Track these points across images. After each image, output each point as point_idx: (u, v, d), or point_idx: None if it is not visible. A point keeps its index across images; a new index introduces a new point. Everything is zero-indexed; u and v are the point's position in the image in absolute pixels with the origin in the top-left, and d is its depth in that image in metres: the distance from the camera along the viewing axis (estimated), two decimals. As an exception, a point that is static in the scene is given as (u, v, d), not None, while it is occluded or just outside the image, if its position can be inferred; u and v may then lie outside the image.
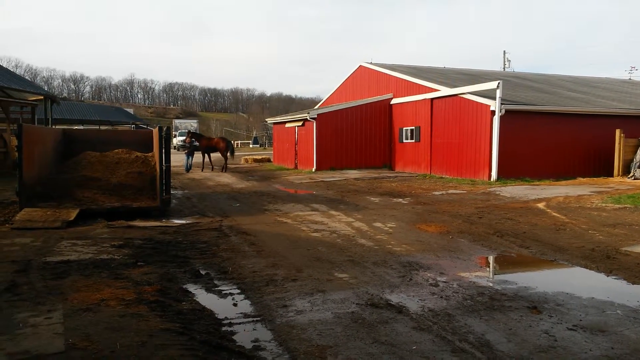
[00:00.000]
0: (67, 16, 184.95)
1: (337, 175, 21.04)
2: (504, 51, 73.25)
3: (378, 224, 9.63)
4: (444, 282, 5.77)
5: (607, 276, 6.02)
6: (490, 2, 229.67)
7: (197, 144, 24.42)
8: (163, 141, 10.92)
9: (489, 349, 3.93)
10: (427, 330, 4.30)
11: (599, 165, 19.20)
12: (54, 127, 19.70)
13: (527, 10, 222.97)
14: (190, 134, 24.53)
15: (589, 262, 6.65)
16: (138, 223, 9.54)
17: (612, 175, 18.34)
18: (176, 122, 70.08)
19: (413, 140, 22.64)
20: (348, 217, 10.56)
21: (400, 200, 13.34)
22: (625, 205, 11.38)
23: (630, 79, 37.16)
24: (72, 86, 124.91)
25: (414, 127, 22.55)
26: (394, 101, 24.25)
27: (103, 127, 31.74)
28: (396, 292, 5.37)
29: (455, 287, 5.55)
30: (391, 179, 19.63)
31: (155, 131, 11.69)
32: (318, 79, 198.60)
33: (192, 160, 24.23)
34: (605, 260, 6.70)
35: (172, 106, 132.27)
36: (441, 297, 5.22)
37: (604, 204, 11.69)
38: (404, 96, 23.38)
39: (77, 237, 8.04)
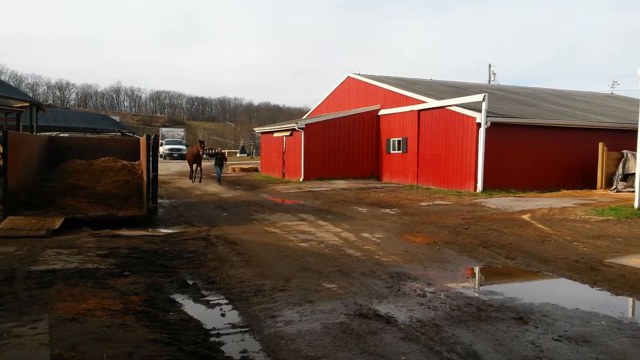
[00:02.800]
0: (53, 22, 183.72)
1: (325, 186, 21.08)
2: (489, 64, 74.23)
3: (366, 235, 9.66)
4: (432, 292, 5.81)
5: (592, 287, 6.11)
6: (477, 15, 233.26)
7: (219, 155, 23.97)
8: (150, 149, 10.87)
9: (476, 359, 3.96)
10: (415, 341, 4.32)
11: (583, 177, 19.49)
12: (39, 134, 19.47)
13: (513, 25, 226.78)
14: (202, 144, 23.01)
15: (574, 273, 6.74)
16: (124, 232, 9.46)
17: (595, 188, 18.63)
18: (163, 130, 69.58)
19: (400, 151, 22.79)
20: (336, 227, 10.58)
21: (388, 210, 13.41)
22: (608, 218, 11.57)
23: (612, 93, 37.86)
24: (58, 93, 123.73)
25: (401, 138, 22.72)
26: (381, 112, 24.43)
27: (89, 135, 31.51)
28: (384, 303, 5.39)
29: (443, 298, 5.59)
30: (378, 189, 19.72)
31: (143, 139, 11.64)
32: (306, 89, 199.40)
33: (219, 170, 23.08)
34: (590, 271, 6.80)
35: (159, 114, 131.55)
36: (429, 307, 5.25)
37: (587, 216, 11.87)
38: (392, 107, 23.57)
39: (62, 246, 7.95)
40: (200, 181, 22.07)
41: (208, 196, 17.06)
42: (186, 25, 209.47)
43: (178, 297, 5.56)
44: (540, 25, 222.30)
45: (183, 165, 39.60)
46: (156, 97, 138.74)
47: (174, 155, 51.78)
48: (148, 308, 5.00)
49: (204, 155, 22.49)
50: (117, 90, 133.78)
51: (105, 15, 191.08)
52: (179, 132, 67.43)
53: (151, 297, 5.41)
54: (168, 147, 52.79)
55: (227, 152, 79.88)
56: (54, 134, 28.74)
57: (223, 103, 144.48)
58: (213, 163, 23.62)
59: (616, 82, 61.40)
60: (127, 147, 14.04)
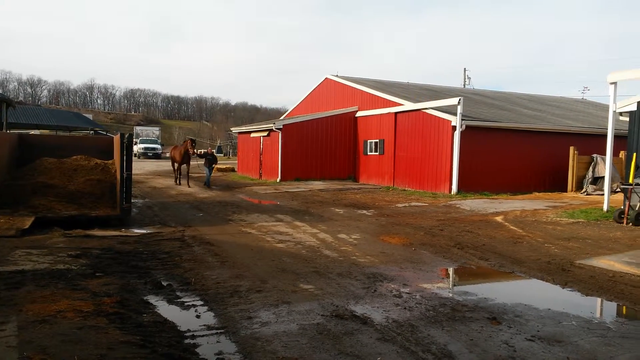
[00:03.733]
0: (25, 17, 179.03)
1: (302, 186, 21.06)
2: (465, 68, 75.42)
3: (343, 236, 9.69)
4: (408, 293, 5.86)
5: (563, 288, 6.24)
6: (453, 20, 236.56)
7: (209, 155, 21.61)
8: (124, 148, 10.69)
9: (451, 359, 4.00)
10: (391, 341, 4.34)
11: (554, 180, 19.95)
12: (9, 131, 18.94)
13: (487, 30, 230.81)
14: (192, 142, 20.74)
15: (546, 274, 6.88)
16: (96, 232, 9.28)
17: (566, 191, 19.09)
18: (137, 129, 68.57)
19: (377, 153, 22.93)
20: (313, 228, 10.57)
21: (365, 212, 13.47)
22: (579, 220, 11.86)
23: (583, 98, 38.87)
24: (29, 90, 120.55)
25: (378, 140, 22.87)
26: (359, 114, 24.54)
27: (61, 133, 30.78)
28: (361, 304, 5.41)
29: (418, 298, 5.64)
30: (355, 190, 19.80)
31: (117, 138, 11.43)
32: (284, 89, 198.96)
33: (209, 173, 21.02)
34: (561, 272, 6.95)
35: (133, 113, 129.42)
36: (405, 308, 5.29)
37: (558, 218, 12.14)
38: (369, 109, 23.70)
39: (32, 246, 7.74)
40: (188, 184, 20.27)
41: (184, 196, 16.86)
42: (163, 23, 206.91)
43: (152, 299, 5.47)
44: (513, 31, 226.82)
45: (158, 165, 39.08)
46: (131, 95, 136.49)
47: (149, 154, 51.12)
48: (121, 310, 4.90)
49: (194, 155, 20.74)
50: (91, 88, 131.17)
51: (79, 11, 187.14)
52: (154, 131, 66.57)
53: (124, 298, 5.31)
54: (142, 146, 52.04)
55: (203, 151, 79.23)
56: (26, 131, 27.99)
57: (199, 102, 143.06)
58: (202, 164, 21.74)
59: (587, 87, 63.18)
60: (100, 146, 13.77)
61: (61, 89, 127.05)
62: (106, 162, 12.49)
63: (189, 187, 19.78)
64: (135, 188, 17.94)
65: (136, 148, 49.42)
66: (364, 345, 4.25)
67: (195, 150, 20.35)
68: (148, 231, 9.79)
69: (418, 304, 5.42)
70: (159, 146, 54.97)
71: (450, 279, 7.09)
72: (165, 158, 58.83)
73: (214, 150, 22.08)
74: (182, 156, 20.43)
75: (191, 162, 21.11)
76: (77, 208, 10.52)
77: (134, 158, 19.97)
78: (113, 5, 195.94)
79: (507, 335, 4.54)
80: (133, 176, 12.00)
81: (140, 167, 33.32)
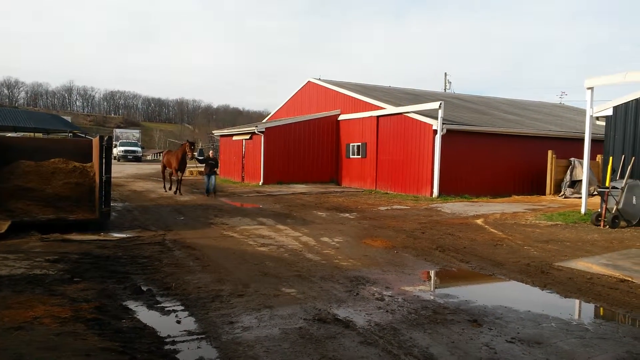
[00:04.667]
0: (1, 17, 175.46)
1: (285, 189, 21.01)
2: (445, 73, 76.35)
3: (325, 239, 9.68)
4: (390, 296, 5.87)
5: (542, 290, 6.33)
6: (434, 25, 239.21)
7: (211, 160, 18.56)
8: (104, 151, 10.53)
9: (433, 362, 4.02)
10: (373, 345, 4.34)
11: (533, 184, 20.27)
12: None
13: (468, 35, 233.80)
14: (191, 145, 18.26)
15: (525, 276, 6.97)
16: (75, 236, 9.11)
17: (544, 194, 19.40)
18: (117, 131, 67.77)
19: (359, 156, 23.02)
20: (295, 231, 10.55)
21: (347, 215, 13.49)
22: (557, 223, 12.06)
23: (561, 103, 39.61)
24: (6, 91, 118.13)
25: (360, 144, 22.95)
26: (341, 117, 24.61)
27: (39, 135, 30.20)
28: (343, 307, 5.40)
29: (401, 301, 5.66)
30: (338, 193, 19.82)
31: (96, 140, 11.26)
32: (267, 92, 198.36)
33: (214, 181, 18.28)
34: (540, 275, 7.04)
35: (113, 115, 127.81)
36: (387, 311, 5.30)
37: (537, 221, 12.33)
38: (352, 113, 23.79)
39: (8, 251, 7.56)
40: (179, 192, 18.28)
41: (164, 200, 16.67)
42: (143, 24, 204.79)
43: (131, 304, 5.38)
44: (493, 37, 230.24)
45: (138, 168, 38.62)
46: (110, 97, 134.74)
47: (129, 157, 50.56)
48: (100, 315, 4.81)
49: (191, 159, 18.37)
50: (69, 90, 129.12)
51: (57, 11, 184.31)
52: (134, 134, 65.83)
53: (103, 304, 5.22)
54: (122, 148, 51.47)
55: (199, 150, 78.32)
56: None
57: (181, 104, 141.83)
58: (202, 170, 19.04)
59: (565, 92, 64.41)
60: (79, 149, 13.53)
61: (39, 90, 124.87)
62: (85, 165, 12.28)
63: (181, 194, 17.98)
64: (115, 191, 17.69)
65: (116, 151, 48.86)
66: (346, 349, 4.25)
67: (194, 154, 18.15)
68: (128, 235, 9.65)
69: (400, 307, 5.44)
70: (139, 149, 54.39)
71: (432, 281, 7.13)
72: (146, 161, 58.22)
73: (212, 153, 19.02)
74: (180, 162, 18.14)
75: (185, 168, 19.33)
76: (55, 212, 10.33)
77: (113, 161, 19.63)
78: (92, 4, 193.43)
79: (487, 337, 4.58)
80: (112, 179, 11.83)
81: (120, 170, 32.88)
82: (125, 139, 59.07)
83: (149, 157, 70.09)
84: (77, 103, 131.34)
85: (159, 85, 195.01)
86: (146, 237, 9.51)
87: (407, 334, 4.60)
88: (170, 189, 19.24)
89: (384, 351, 4.21)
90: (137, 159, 51.74)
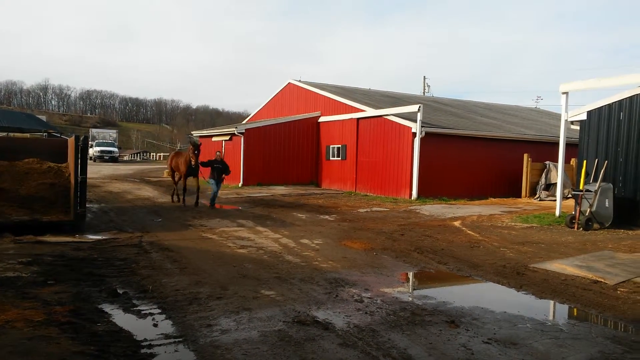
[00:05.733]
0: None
1: (264, 191, 20.93)
2: (424, 76, 77.14)
3: (305, 241, 9.67)
4: (369, 298, 5.89)
5: (518, 291, 6.43)
6: (412, 29, 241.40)
7: (219, 163, 15.38)
8: (79, 151, 10.34)
9: (411, 363, 4.05)
10: (352, 346, 4.35)
11: (509, 186, 20.59)
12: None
13: (447, 39, 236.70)
14: (194, 149, 14.97)
15: (501, 278, 7.07)
16: (49, 238, 8.92)
17: (520, 196, 19.73)
18: (93, 131, 66.58)
19: (339, 158, 23.07)
20: (275, 233, 10.51)
21: (327, 217, 13.50)
22: (532, 225, 12.27)
23: (537, 107, 40.37)
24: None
25: (340, 146, 23.01)
26: (321, 119, 24.64)
27: (12, 135, 29.47)
28: (323, 309, 5.40)
29: (379, 303, 5.68)
30: (318, 195, 19.83)
31: (71, 140, 11.05)
32: (247, 93, 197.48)
33: (220, 187, 15.61)
34: (516, 276, 7.16)
35: (89, 114, 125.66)
36: (366, 313, 5.32)
37: (513, 223, 12.53)
38: (332, 115, 23.84)
39: (-23, 254, 7.36)
40: (197, 203, 15.16)
41: (141, 201, 16.44)
42: (120, 22, 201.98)
43: (107, 307, 5.29)
44: (471, 42, 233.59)
45: (115, 169, 38.04)
46: (87, 96, 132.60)
47: (105, 157, 49.81)
48: (74, 319, 4.72)
49: (193, 165, 14.98)
50: (45, 88, 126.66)
51: (32, 7, 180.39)
52: (110, 134, 64.80)
53: (78, 307, 5.12)
54: (99, 149, 50.66)
55: (163, 155, 77.24)
56: None
57: (159, 105, 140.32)
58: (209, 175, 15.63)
59: (540, 97, 65.69)
60: (54, 149, 13.25)
61: (13, 89, 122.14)
62: (60, 165, 12.04)
63: (196, 206, 14.92)
64: (91, 192, 17.39)
65: (92, 151, 48.07)
66: (325, 350, 4.25)
67: (197, 160, 14.92)
68: (103, 237, 9.49)
69: (379, 309, 5.46)
70: (116, 149, 53.61)
71: (411, 283, 7.18)
72: (124, 162, 57.37)
73: (220, 155, 15.66)
74: (189, 165, 15.02)
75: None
76: (28, 213, 10.10)
77: (89, 162, 19.14)
78: (68, 2, 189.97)
79: (464, 338, 4.63)
80: (88, 180, 11.61)
81: (96, 170, 32.31)
82: (101, 139, 58.12)
83: (126, 158, 69.11)
84: (53, 102, 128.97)
85: (137, 84, 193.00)
86: (122, 239, 9.36)
87: (385, 336, 4.63)
88: (178, 198, 15.93)
89: (362, 353, 4.22)
90: (114, 160, 50.97)
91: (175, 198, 16.25)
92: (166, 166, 19.38)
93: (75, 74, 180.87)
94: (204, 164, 15.29)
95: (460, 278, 7.25)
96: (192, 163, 14.80)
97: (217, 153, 15.91)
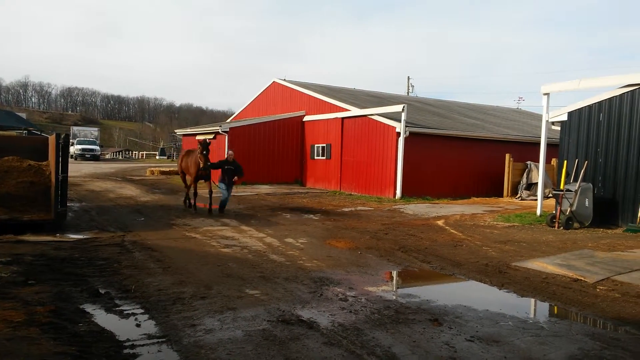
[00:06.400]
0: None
1: (249, 190, 20.85)
2: (408, 77, 77.64)
3: (290, 240, 9.66)
4: (353, 296, 5.91)
5: (500, 289, 6.51)
6: (397, 30, 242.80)
7: (230, 164, 13.77)
8: (60, 149, 10.19)
9: (395, 361, 4.07)
10: (337, 345, 4.37)
11: (491, 186, 20.84)
12: None
13: (431, 40, 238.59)
14: (203, 148, 13.34)
15: (484, 276, 7.15)
16: (29, 237, 8.77)
17: (502, 196, 19.98)
18: (75, 129, 65.62)
19: (324, 158, 23.10)
20: (259, 232, 10.48)
21: (312, 216, 13.51)
22: (514, 224, 12.44)
23: (518, 108, 40.88)
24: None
25: (325, 145, 23.04)
26: (306, 118, 24.63)
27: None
28: (307, 308, 5.41)
29: (364, 302, 5.71)
30: (302, 194, 19.82)
31: (52, 138, 10.88)
32: (231, 91, 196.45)
33: (229, 194, 13.91)
34: (498, 274, 7.25)
35: (70, 112, 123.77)
36: (350, 311, 5.34)
37: (495, 222, 12.68)
38: (317, 114, 23.85)
39: (-46, 253, 7.20)
40: (210, 209, 13.39)
41: (124, 200, 16.26)
42: (103, 19, 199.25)
43: (89, 307, 5.22)
44: (455, 43, 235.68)
45: (96, 167, 37.55)
46: (68, 93, 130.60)
47: (87, 155, 49.19)
48: (55, 319, 4.65)
49: (202, 168, 13.32)
50: (25, 85, 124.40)
51: (11, 4, 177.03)
52: (92, 132, 63.96)
53: (59, 307, 5.04)
54: (80, 147, 50.01)
55: (145, 153, 76.33)
56: None
57: (142, 103, 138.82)
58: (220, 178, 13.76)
59: (522, 98, 66.57)
60: (34, 147, 13.02)
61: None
62: (40, 163, 11.84)
63: (210, 213, 13.21)
64: (72, 191, 17.15)
65: (73, 149, 47.43)
66: (310, 350, 4.25)
67: (206, 161, 13.27)
68: (85, 236, 9.36)
69: (363, 307, 5.49)
70: (97, 147, 52.96)
71: (394, 282, 7.23)
72: (105, 160, 56.66)
73: (231, 156, 14.06)
74: (198, 167, 13.45)
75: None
76: (7, 212, 9.90)
77: (70, 160, 18.83)
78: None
79: (448, 336, 4.67)
80: (69, 179, 11.44)
81: (77, 169, 31.87)
82: (83, 137, 57.33)
83: (107, 156, 68.25)
84: (33, 99, 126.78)
85: (119, 82, 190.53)
86: (104, 238, 9.25)
87: (370, 334, 4.65)
88: (189, 203, 14.17)
89: (347, 351, 4.23)
90: (96, 158, 50.34)
91: (187, 203, 14.37)
92: (176, 167, 17.78)
93: (56, 71, 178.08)
94: (214, 166, 13.62)
95: (444, 276, 7.32)
96: (201, 165, 13.26)
97: (229, 153, 14.36)
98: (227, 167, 13.70)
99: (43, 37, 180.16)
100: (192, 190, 14.08)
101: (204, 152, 13.31)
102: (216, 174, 14.06)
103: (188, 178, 14.45)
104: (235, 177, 13.73)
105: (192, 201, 14.13)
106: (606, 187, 12.38)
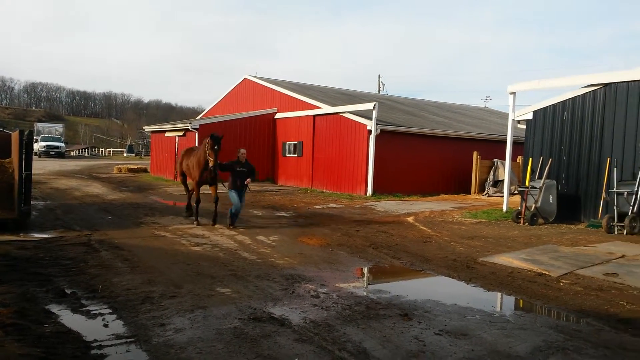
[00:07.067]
0: None
1: (219, 187, 20.63)
2: (379, 75, 78.45)
3: (261, 237, 9.63)
4: (325, 293, 5.95)
5: (467, 284, 6.66)
6: (368, 29, 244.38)
7: (242, 166, 11.27)
8: (24, 146, 9.88)
9: (366, 356, 4.12)
10: (308, 342, 4.39)
11: (459, 183, 21.23)
12: None
13: (401, 39, 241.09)
14: (214, 144, 10.89)
15: (452, 271, 7.30)
16: (-10, 237, 8.48)
17: (470, 193, 20.38)
18: (39, 125, 63.52)
19: (296, 155, 23.08)
20: (231, 230, 10.41)
21: (283, 213, 13.49)
22: (481, 220, 12.71)
23: (486, 107, 41.74)
24: None
25: (297, 142, 23.02)
26: (278, 116, 24.55)
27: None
28: (279, 305, 5.41)
29: (335, 298, 5.75)
30: (274, 192, 19.77)
31: (15, 135, 10.54)
32: (201, 88, 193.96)
33: (243, 200, 11.42)
34: (465, 269, 7.40)
35: (34, 108, 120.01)
36: (322, 308, 5.37)
37: (463, 219, 12.94)
38: (288, 111, 23.79)
39: None
40: (215, 221, 11.04)
41: (90, 198, 15.89)
42: (68, 11, 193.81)
43: (54, 308, 5.10)
44: (424, 42, 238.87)
45: (61, 164, 36.52)
46: (31, 89, 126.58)
47: (51, 153, 47.82)
48: (19, 320, 4.52)
49: (213, 167, 10.88)
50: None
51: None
52: (57, 128, 62.08)
53: (23, 308, 4.90)
54: (44, 144, 48.55)
55: (112, 150, 74.56)
56: None
57: (109, 98, 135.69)
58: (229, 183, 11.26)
59: (489, 97, 67.96)
60: (-5, 143, 12.59)
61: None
62: (3, 161, 11.45)
63: (213, 224, 10.96)
64: (36, 189, 16.67)
65: (37, 146, 46.02)
66: (281, 346, 4.26)
67: (216, 160, 10.82)
68: (50, 235, 9.12)
69: (335, 304, 5.53)
70: (62, 144, 51.54)
71: (365, 278, 7.30)
72: (70, 157, 55.15)
73: (244, 155, 11.53)
74: (203, 168, 11.08)
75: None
76: (-34, 211, 9.55)
77: (34, 157, 18.32)
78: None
79: (417, 330, 4.76)
80: (33, 176, 11.11)
81: (41, 166, 30.95)
82: (47, 133, 55.57)
83: (73, 153, 66.48)
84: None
85: (85, 77, 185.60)
86: (70, 237, 9.03)
87: (341, 330, 4.69)
88: (192, 213, 11.59)
89: (318, 347, 4.26)
90: (61, 155, 48.98)
91: (190, 211, 11.86)
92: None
93: (19, 65, 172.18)
94: (224, 167, 11.11)
95: (413, 272, 7.43)
96: (210, 163, 10.71)
97: (241, 152, 11.44)
98: (240, 169, 11.20)
99: (5, 29, 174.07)
100: (194, 197, 11.54)
101: (215, 147, 10.70)
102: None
103: (190, 182, 12.18)
104: (248, 179, 11.19)
105: (193, 206, 11.57)
106: (569, 184, 12.78)
